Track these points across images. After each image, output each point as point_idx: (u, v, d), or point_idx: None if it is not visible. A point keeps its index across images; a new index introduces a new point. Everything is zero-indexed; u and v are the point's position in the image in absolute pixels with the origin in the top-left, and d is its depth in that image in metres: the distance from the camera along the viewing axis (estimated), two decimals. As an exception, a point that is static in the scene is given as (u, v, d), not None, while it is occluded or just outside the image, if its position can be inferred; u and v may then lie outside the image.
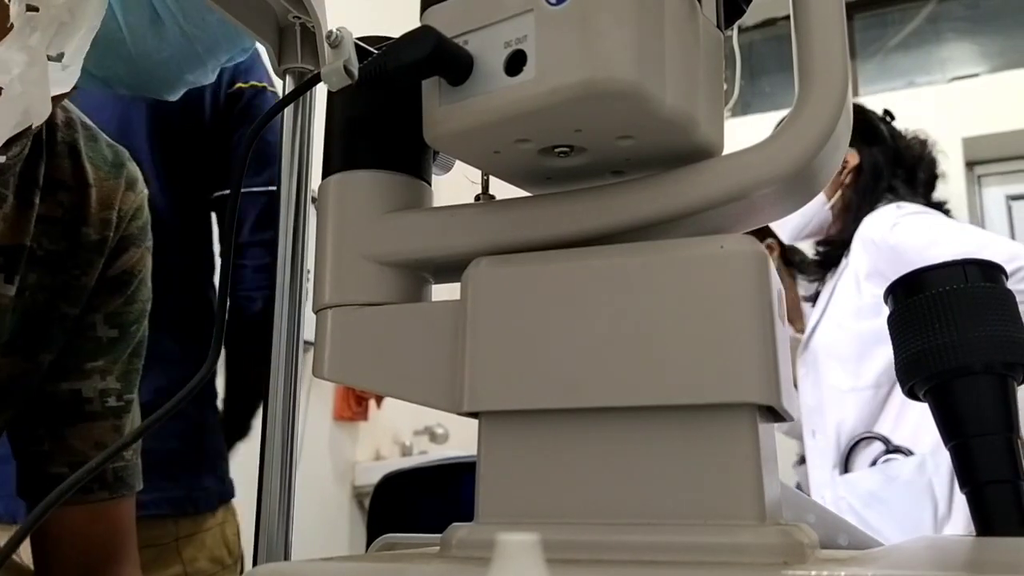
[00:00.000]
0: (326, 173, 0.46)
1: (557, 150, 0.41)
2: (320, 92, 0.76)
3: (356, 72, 0.40)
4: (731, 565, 0.35)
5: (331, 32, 0.39)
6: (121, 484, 0.80)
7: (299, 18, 0.72)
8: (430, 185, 0.48)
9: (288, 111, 0.75)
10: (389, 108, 0.45)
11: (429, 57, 0.37)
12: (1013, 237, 3.52)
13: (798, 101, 0.40)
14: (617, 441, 0.38)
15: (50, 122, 0.74)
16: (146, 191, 0.83)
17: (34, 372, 0.74)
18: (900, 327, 0.43)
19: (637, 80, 0.37)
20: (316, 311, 0.46)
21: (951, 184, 3.35)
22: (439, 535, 0.51)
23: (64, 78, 0.50)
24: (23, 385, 0.74)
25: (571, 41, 0.37)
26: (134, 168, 0.83)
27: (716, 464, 0.37)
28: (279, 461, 0.70)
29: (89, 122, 0.81)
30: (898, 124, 1.86)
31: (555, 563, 0.37)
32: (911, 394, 0.45)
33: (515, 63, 0.38)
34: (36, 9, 0.45)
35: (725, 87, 0.45)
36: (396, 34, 0.42)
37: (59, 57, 0.48)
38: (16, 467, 0.79)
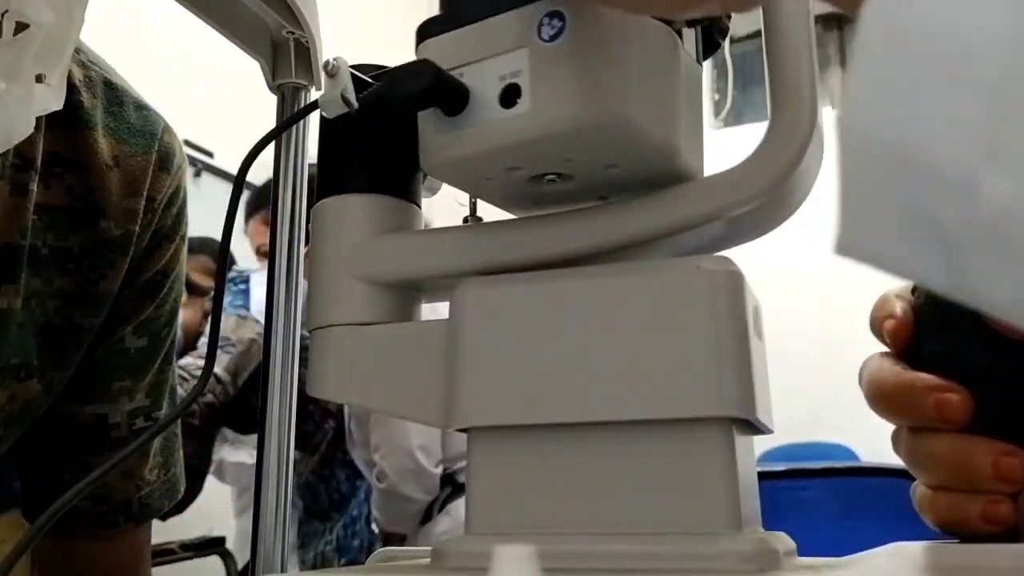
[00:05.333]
0: (320, 196, 0.48)
1: (547, 177, 0.43)
2: (313, 115, 0.78)
3: (354, 101, 0.42)
4: (708, 572, 0.36)
5: (328, 62, 0.41)
6: (146, 511, 0.73)
7: (293, 33, 0.74)
8: (420, 207, 0.49)
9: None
10: (381, 134, 0.47)
11: (428, 89, 0.39)
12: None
13: (770, 124, 0.42)
14: (601, 454, 0.40)
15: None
16: (185, 165, 0.70)
17: (46, 396, 0.64)
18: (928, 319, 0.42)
19: (627, 113, 0.39)
20: (311, 330, 0.47)
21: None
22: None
23: (51, 95, 0.48)
24: (33, 412, 0.65)
25: (565, 76, 0.39)
26: (170, 138, 0.68)
27: (694, 475, 0.38)
28: (275, 473, 0.71)
29: (117, 78, 0.67)
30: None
31: (543, 573, 0.38)
32: None
33: (509, 95, 0.40)
34: (27, 27, 0.45)
35: (716, 98, 0.47)
36: (384, 53, 0.43)
37: (41, 78, 0.48)
38: (23, 488, 0.71)
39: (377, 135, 0.47)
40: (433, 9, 0.44)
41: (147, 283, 0.68)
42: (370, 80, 0.44)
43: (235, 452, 1.76)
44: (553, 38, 0.39)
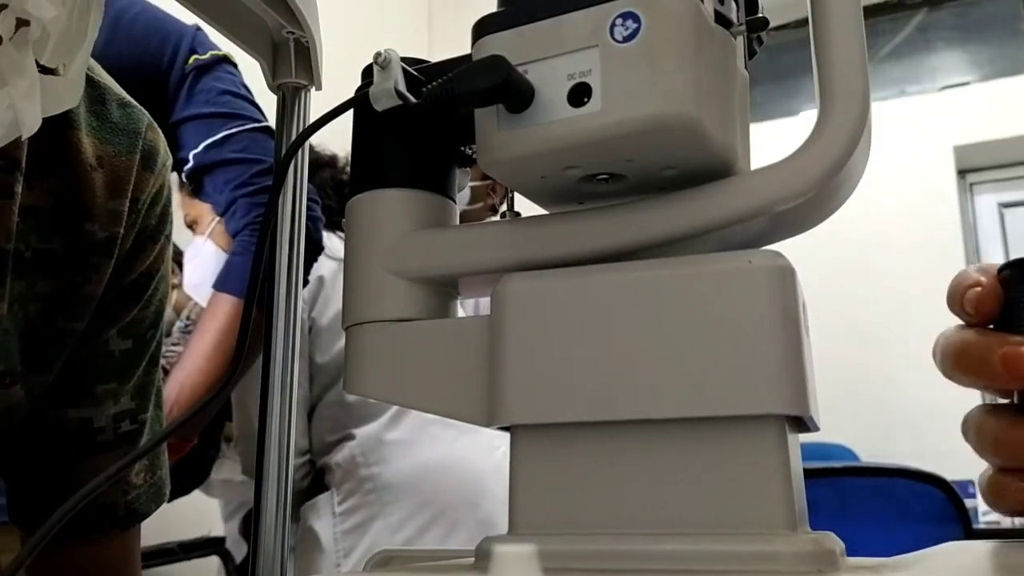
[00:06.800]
0: (355, 191, 0.47)
1: (598, 177, 0.42)
2: (314, 108, 0.77)
3: (407, 93, 0.41)
4: (766, 573, 0.35)
5: (379, 53, 0.40)
6: (133, 516, 0.72)
7: (293, 33, 0.73)
8: (455, 203, 0.49)
9: (281, 127, 0.75)
10: (418, 129, 0.46)
11: (500, 85, 0.38)
12: (1006, 245, 3.54)
13: (820, 118, 0.41)
14: (649, 453, 0.39)
15: None
16: (169, 162, 0.68)
17: (27, 402, 0.63)
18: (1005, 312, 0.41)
19: (698, 116, 0.38)
20: (346, 327, 0.47)
21: (943, 192, 3.38)
22: (434, 548, 0.52)
23: (66, 88, 0.47)
24: (12, 418, 0.63)
25: (639, 77, 0.38)
26: (153, 135, 0.67)
27: (747, 474, 0.38)
28: (275, 477, 0.71)
29: (99, 75, 0.65)
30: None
31: (591, 573, 0.38)
32: None
33: (578, 94, 0.39)
34: (27, 23, 0.45)
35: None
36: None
37: (55, 71, 0.47)
38: (8, 492, 0.70)
39: (415, 128, 0.46)
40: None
41: (132, 285, 0.66)
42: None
43: (217, 470, 1.73)
44: (627, 39, 0.38)
